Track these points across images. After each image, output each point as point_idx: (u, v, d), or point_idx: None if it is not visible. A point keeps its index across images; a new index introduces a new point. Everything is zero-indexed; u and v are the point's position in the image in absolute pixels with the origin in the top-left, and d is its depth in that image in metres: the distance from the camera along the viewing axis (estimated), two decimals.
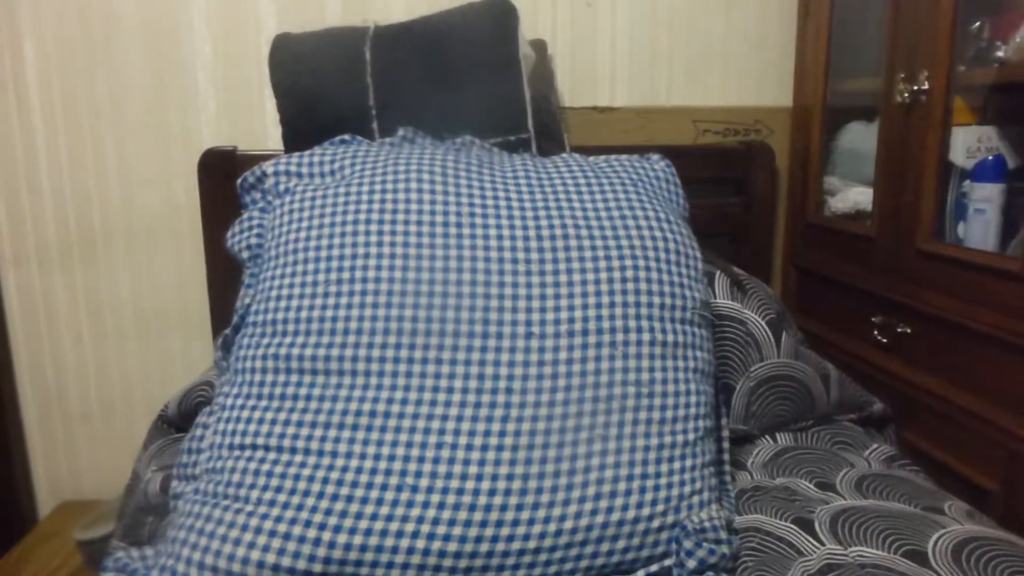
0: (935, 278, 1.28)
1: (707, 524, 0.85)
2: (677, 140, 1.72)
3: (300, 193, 1.08)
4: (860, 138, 1.57)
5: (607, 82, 1.73)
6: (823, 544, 0.88)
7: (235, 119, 1.65)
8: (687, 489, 0.87)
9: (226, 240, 1.14)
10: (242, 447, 0.91)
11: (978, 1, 1.28)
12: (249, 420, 0.92)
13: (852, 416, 1.28)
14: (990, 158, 1.24)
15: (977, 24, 1.30)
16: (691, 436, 0.90)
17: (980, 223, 1.24)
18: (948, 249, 1.27)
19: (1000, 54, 1.25)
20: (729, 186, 1.71)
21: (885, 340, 1.41)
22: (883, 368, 1.40)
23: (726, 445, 1.06)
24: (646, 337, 0.93)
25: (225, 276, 1.56)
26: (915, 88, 1.30)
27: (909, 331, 1.35)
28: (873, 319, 1.43)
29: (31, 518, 1.76)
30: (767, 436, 1.21)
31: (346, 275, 0.96)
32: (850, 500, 0.98)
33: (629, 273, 0.97)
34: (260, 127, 1.65)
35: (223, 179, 1.56)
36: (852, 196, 1.55)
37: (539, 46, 1.61)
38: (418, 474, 0.84)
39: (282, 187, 1.11)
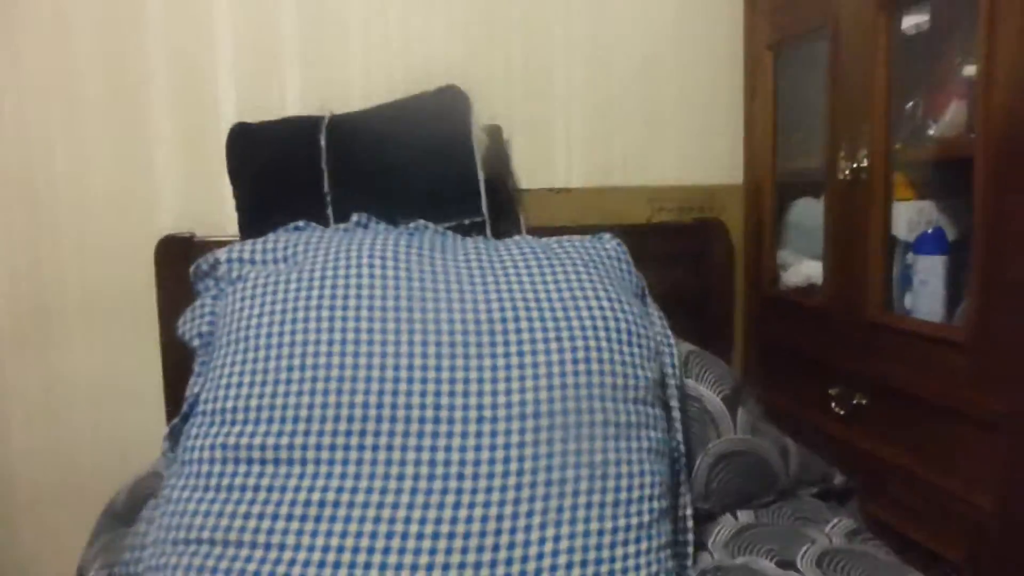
0: (886, 348, 1.30)
1: None
2: (633, 218, 1.75)
3: (252, 280, 1.08)
4: (809, 214, 1.61)
5: (562, 163, 1.77)
6: None
7: (194, 204, 1.65)
8: (643, 573, 0.86)
9: (177, 328, 1.13)
10: (187, 542, 0.88)
11: (910, 81, 1.34)
12: (195, 513, 0.90)
13: (813, 490, 1.27)
14: (930, 231, 1.28)
15: (911, 103, 1.35)
16: (646, 518, 0.89)
17: (925, 294, 1.26)
18: (897, 320, 1.30)
19: (932, 132, 1.30)
20: (685, 262, 1.74)
21: (843, 412, 1.41)
22: (842, 439, 1.40)
23: (690, 524, 1.05)
24: (599, 418, 0.93)
25: (181, 360, 1.54)
26: (855, 165, 1.34)
27: (865, 402, 1.36)
28: (831, 391, 1.44)
29: None
30: (729, 513, 1.20)
31: (296, 361, 0.96)
32: (811, 575, 0.97)
33: (580, 355, 0.97)
34: (219, 212, 1.66)
35: (181, 264, 1.55)
36: (804, 270, 1.58)
37: (494, 131, 1.65)
38: (367, 565, 0.82)
39: (235, 274, 1.11)
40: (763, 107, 1.72)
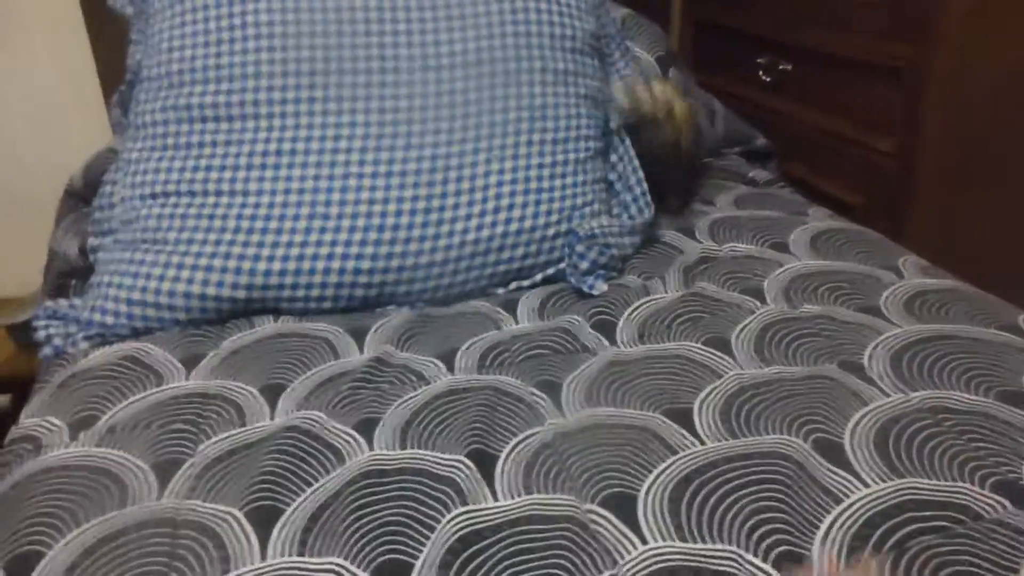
0: (812, 13, 1.33)
1: (597, 231, 0.94)
2: None
3: None
4: None
5: None
6: (703, 243, 0.99)
7: None
8: (578, 201, 0.96)
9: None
10: (154, 196, 0.93)
11: None
12: (158, 170, 0.95)
13: (737, 150, 1.37)
14: None
15: None
16: (581, 155, 0.98)
17: None
18: None
19: None
20: None
21: (769, 79, 1.48)
22: (769, 107, 1.48)
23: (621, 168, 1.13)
24: (536, 65, 0.98)
25: (115, 60, 1.50)
26: None
27: (791, 68, 1.42)
28: (759, 60, 1.50)
29: None
30: None
31: (238, 20, 0.96)
32: (728, 212, 1.09)
33: (519, 4, 0.99)
34: None
35: None
36: None
37: None
38: (328, 203, 0.89)
39: None
40: None
